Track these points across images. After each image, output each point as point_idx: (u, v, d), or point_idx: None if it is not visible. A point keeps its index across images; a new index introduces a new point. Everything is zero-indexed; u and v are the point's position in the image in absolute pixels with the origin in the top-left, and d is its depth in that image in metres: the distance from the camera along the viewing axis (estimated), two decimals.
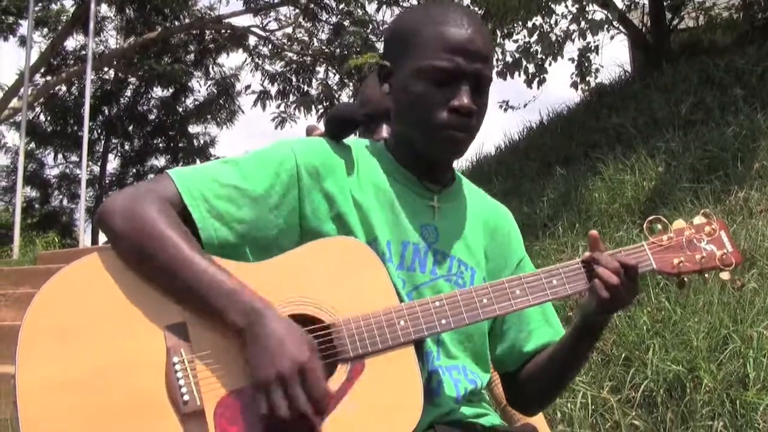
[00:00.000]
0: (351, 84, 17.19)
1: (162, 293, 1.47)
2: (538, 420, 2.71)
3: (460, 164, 9.78)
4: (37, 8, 17.21)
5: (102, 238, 20.22)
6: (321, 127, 2.50)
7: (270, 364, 1.38)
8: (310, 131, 2.57)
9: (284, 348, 1.38)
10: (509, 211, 1.94)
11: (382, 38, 1.81)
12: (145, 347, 1.43)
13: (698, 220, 1.74)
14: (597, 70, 10.50)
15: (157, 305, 1.47)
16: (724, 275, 1.71)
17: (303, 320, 1.50)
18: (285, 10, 18.53)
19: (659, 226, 1.72)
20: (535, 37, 9.94)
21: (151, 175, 22.25)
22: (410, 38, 1.69)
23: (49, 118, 21.11)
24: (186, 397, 1.40)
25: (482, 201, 1.88)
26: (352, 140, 1.76)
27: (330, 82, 18.54)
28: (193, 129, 23.33)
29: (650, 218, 1.75)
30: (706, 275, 1.72)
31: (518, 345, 1.82)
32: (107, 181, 22.51)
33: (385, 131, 2.45)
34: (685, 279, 1.72)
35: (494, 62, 10.05)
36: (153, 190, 1.55)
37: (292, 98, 18.62)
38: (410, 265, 1.66)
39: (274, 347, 1.39)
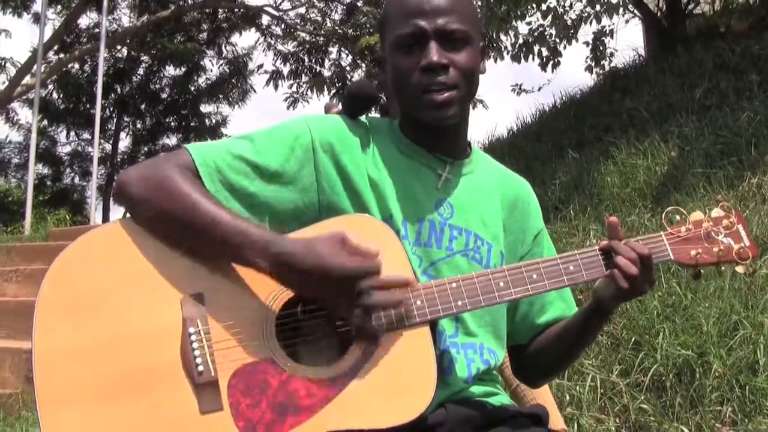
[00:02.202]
0: (364, 64, 17.16)
1: (188, 254, 1.50)
2: (549, 404, 2.71)
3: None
4: None
5: (113, 216, 20.30)
6: (339, 105, 2.50)
7: (324, 293, 1.46)
8: (328, 109, 2.56)
9: (320, 272, 1.43)
10: (528, 183, 1.93)
11: None
12: (161, 317, 1.45)
13: (716, 212, 1.73)
14: (611, 54, 10.45)
15: (174, 276, 1.48)
16: (740, 269, 1.70)
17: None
18: None
19: (677, 217, 1.71)
20: (549, 19, 9.87)
21: (163, 154, 22.27)
22: (384, 20, 1.73)
23: (61, 96, 21.14)
24: (201, 368, 1.41)
25: (501, 174, 1.88)
26: (368, 118, 1.76)
27: (343, 63, 18.51)
28: (205, 108, 23.36)
29: (668, 209, 1.75)
30: (722, 268, 1.72)
31: (531, 317, 1.83)
32: (119, 159, 22.57)
33: None
34: (701, 271, 1.72)
35: (508, 45, 10.03)
36: (169, 159, 1.58)
37: (304, 78, 18.61)
38: (426, 241, 1.66)
39: (310, 279, 1.44)
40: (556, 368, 1.93)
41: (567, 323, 1.80)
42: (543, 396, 2.78)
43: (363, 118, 1.75)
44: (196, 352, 1.42)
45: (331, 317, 1.52)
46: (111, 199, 20.18)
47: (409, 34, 1.63)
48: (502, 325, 1.77)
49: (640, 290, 1.61)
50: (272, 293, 1.50)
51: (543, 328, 1.84)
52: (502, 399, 1.72)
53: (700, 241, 1.69)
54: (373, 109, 1.82)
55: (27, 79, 16.63)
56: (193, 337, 1.43)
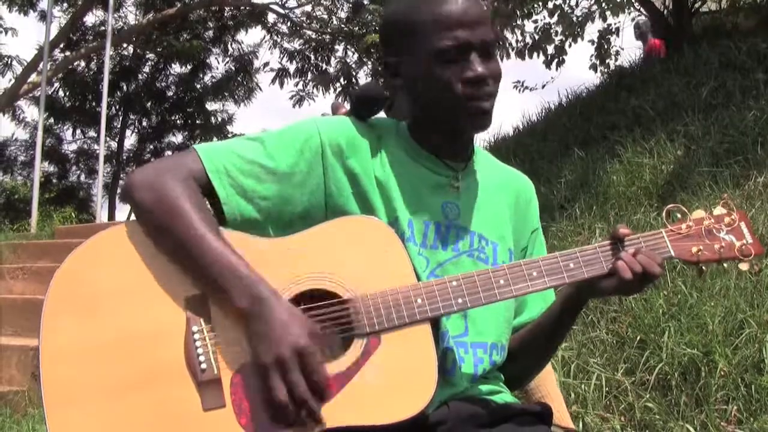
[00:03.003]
0: (370, 62, 17.16)
1: (180, 268, 1.50)
2: (558, 402, 2.70)
3: (478, 144, 9.74)
4: None
5: (119, 214, 20.35)
6: (346, 105, 2.50)
7: (269, 349, 1.40)
8: (335, 108, 2.56)
9: (284, 333, 1.40)
10: (530, 180, 1.94)
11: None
12: (165, 317, 1.46)
13: (718, 210, 1.73)
14: (617, 52, 10.44)
15: (178, 277, 1.49)
16: (743, 266, 1.70)
17: (321, 295, 1.51)
18: None
19: (678, 215, 1.71)
20: (555, 18, 9.86)
21: (169, 152, 22.32)
22: (408, 28, 1.68)
23: (67, 94, 21.16)
24: (203, 366, 1.42)
25: (503, 172, 1.89)
26: (377, 120, 1.76)
27: (348, 61, 18.52)
28: (210, 106, 23.35)
29: (669, 206, 1.75)
30: (725, 265, 1.72)
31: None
32: (125, 157, 22.59)
33: None
34: (704, 268, 1.72)
35: (513, 43, 10.02)
36: (178, 165, 1.57)
37: (310, 76, 18.62)
38: (432, 243, 1.66)
39: (274, 332, 1.41)
40: (530, 369, 1.91)
41: (541, 319, 1.80)
42: (552, 394, 2.77)
43: (371, 119, 1.75)
44: (199, 351, 1.43)
45: (329, 319, 1.52)
46: (117, 197, 20.22)
47: (453, 47, 1.62)
48: (508, 325, 1.77)
49: (639, 288, 1.63)
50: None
51: (519, 328, 1.83)
52: (505, 397, 1.72)
53: (701, 238, 1.69)
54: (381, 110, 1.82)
55: (33, 77, 16.69)
56: (196, 336, 1.44)
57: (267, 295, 1.45)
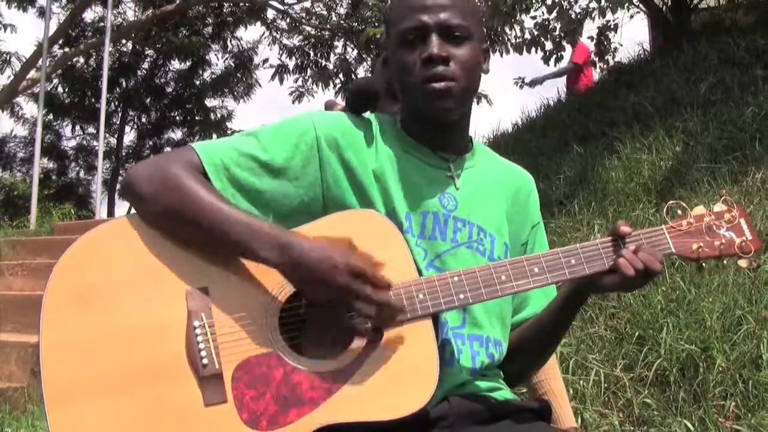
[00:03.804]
0: (369, 58, 17.14)
1: (193, 249, 1.51)
2: (562, 399, 2.70)
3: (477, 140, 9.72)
4: None
5: (118, 210, 20.31)
6: (340, 101, 2.50)
7: (327, 288, 1.45)
8: (329, 106, 2.56)
9: (329, 266, 1.45)
10: (530, 175, 1.95)
11: None
12: (166, 311, 1.46)
13: (718, 207, 1.74)
14: (616, 48, 10.43)
15: (179, 270, 1.50)
16: (743, 263, 1.71)
17: None
18: None
19: (678, 211, 1.72)
20: (554, 14, 9.85)
21: (168, 148, 22.29)
22: (389, 18, 1.75)
23: (66, 90, 21.10)
24: (205, 361, 1.43)
25: (503, 166, 1.90)
26: (372, 114, 1.78)
27: (348, 57, 18.49)
28: (210, 102, 23.28)
29: (670, 203, 1.76)
30: (725, 261, 1.72)
31: (514, 312, 1.84)
32: (124, 154, 22.54)
33: None
34: (704, 264, 1.73)
35: (512, 38, 10.01)
36: (176, 157, 1.59)
37: (309, 72, 18.60)
38: (431, 234, 1.68)
39: (321, 271, 1.45)
40: (530, 364, 1.93)
41: (542, 315, 1.81)
42: (555, 391, 2.76)
43: (367, 114, 1.77)
44: (201, 345, 1.44)
45: (334, 311, 1.53)
46: (116, 193, 20.18)
47: (412, 28, 1.67)
48: (508, 319, 1.78)
49: (640, 283, 1.63)
50: (276, 287, 1.51)
51: (520, 323, 1.84)
52: (505, 394, 1.73)
53: (701, 234, 1.70)
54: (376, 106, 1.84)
55: (32, 74, 16.65)
56: (198, 331, 1.45)
57: (293, 240, 1.48)
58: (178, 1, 18.81)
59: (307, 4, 18.99)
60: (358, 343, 1.49)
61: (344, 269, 1.44)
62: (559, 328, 1.82)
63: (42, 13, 17.38)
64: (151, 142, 23.26)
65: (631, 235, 1.65)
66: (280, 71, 18.74)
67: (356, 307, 1.44)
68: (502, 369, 1.80)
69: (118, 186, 18.89)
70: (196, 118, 23.30)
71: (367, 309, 1.44)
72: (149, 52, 22.30)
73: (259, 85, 22.57)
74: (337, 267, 1.44)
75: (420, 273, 1.57)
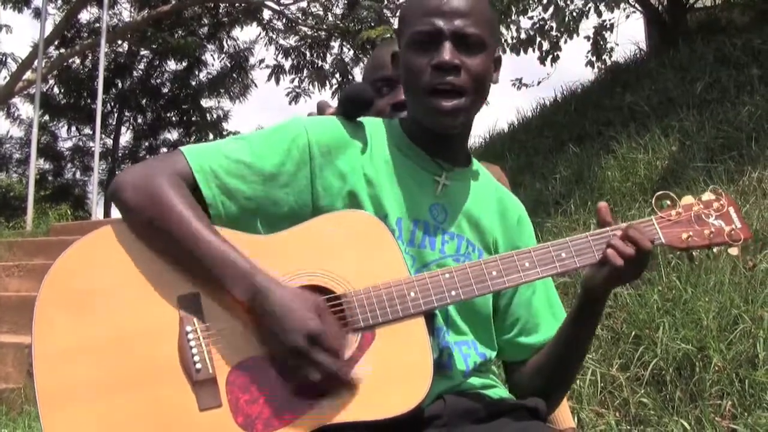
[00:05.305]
0: (365, 59, 17.11)
1: (173, 266, 1.50)
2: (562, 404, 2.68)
3: (472, 140, 9.74)
4: None
5: (114, 211, 20.28)
6: (332, 103, 2.47)
7: (283, 342, 1.42)
8: (321, 108, 2.53)
9: (291, 322, 1.41)
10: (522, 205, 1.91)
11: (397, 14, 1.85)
12: (159, 316, 1.46)
13: (707, 196, 1.74)
14: (612, 48, 10.42)
15: (171, 276, 1.49)
16: (733, 251, 1.71)
17: (315, 291, 1.51)
18: None
19: (668, 202, 1.72)
20: (549, 12, 9.83)
21: (164, 149, 22.27)
22: (402, 17, 1.73)
23: (62, 91, 21.08)
24: (198, 365, 1.42)
25: (498, 189, 1.88)
26: (366, 118, 1.76)
27: (344, 57, 18.48)
28: (206, 103, 23.26)
29: (658, 193, 1.76)
30: (715, 250, 1.72)
31: (524, 336, 1.80)
32: (120, 154, 22.52)
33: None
34: (694, 253, 1.72)
35: (508, 38, 10.00)
36: (165, 165, 1.58)
37: (306, 73, 18.58)
38: (420, 243, 1.67)
39: (281, 324, 1.42)
40: (552, 388, 1.80)
41: (556, 337, 1.77)
42: None
43: (359, 119, 1.75)
44: (194, 350, 1.44)
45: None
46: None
47: (425, 32, 1.64)
48: (489, 327, 1.76)
49: (633, 273, 1.62)
50: None
51: (536, 349, 1.80)
52: (500, 392, 1.73)
53: (690, 224, 1.69)
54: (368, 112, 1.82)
55: (28, 75, 16.61)
56: (190, 336, 1.45)
57: (265, 285, 1.45)
58: (173, 2, 18.79)
59: (303, 5, 18.98)
60: (351, 343, 1.49)
61: (302, 332, 1.41)
62: (577, 344, 1.75)
63: (38, 14, 17.38)
64: (147, 143, 23.24)
65: (620, 226, 1.64)
66: (277, 72, 18.71)
67: (303, 371, 1.42)
68: (521, 388, 1.79)
69: (106, 192, 18.87)
70: (192, 118, 23.27)
71: (313, 375, 1.41)
72: (145, 52, 22.27)
73: (256, 86, 22.58)
74: (295, 330, 1.41)
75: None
